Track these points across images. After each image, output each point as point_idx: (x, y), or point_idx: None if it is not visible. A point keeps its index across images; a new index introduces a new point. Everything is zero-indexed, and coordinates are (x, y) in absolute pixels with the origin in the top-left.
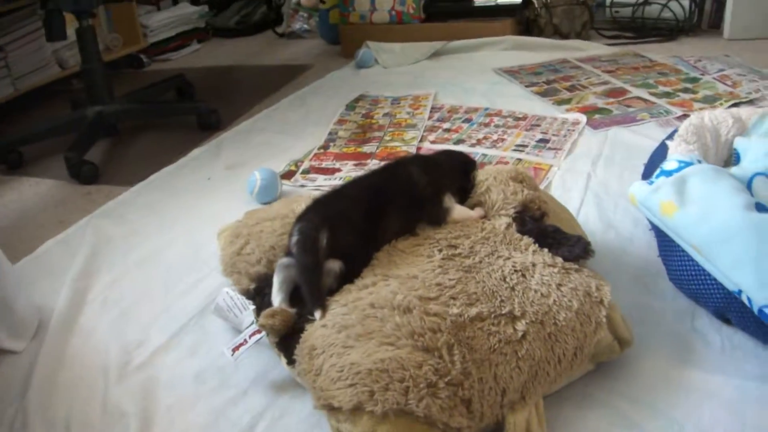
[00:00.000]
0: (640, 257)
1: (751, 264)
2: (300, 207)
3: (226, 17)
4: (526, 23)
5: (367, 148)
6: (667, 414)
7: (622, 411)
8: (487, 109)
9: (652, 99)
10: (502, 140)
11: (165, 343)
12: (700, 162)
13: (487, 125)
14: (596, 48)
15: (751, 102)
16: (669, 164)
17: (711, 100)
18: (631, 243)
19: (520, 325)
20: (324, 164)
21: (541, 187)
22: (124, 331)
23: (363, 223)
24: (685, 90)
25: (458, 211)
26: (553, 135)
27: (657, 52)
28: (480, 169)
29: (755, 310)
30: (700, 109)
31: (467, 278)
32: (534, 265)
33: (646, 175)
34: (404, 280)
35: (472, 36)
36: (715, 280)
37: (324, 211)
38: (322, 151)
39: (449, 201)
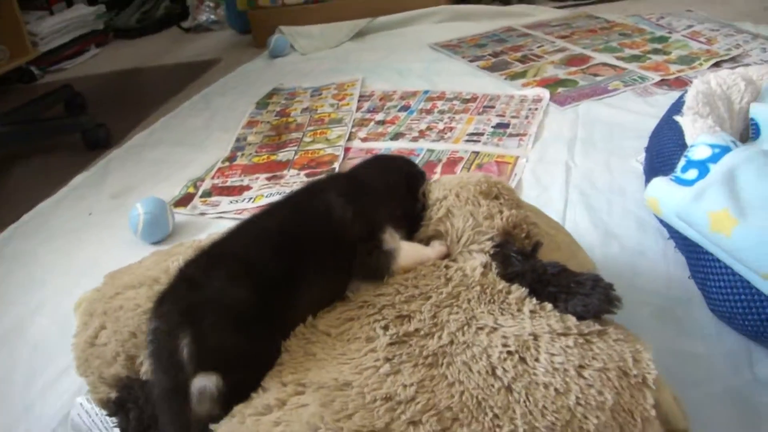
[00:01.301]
0: (660, 277)
1: None
2: (176, 263)
3: (126, 16)
4: None
5: (282, 155)
6: None
7: None
8: (427, 92)
9: (621, 64)
10: (451, 129)
11: None
12: (735, 144)
13: (429, 112)
14: (543, 12)
15: (733, 59)
16: (698, 151)
17: (688, 61)
18: (642, 256)
19: None
20: (229, 182)
21: (511, 185)
22: None
23: (257, 299)
24: (655, 51)
25: (407, 252)
26: (513, 117)
27: (612, 11)
28: (432, 180)
29: None
30: (678, 71)
31: (434, 379)
32: (536, 337)
33: (654, 165)
34: (330, 394)
35: (401, 9)
36: None
37: (186, 296)
38: (227, 164)
39: (391, 239)
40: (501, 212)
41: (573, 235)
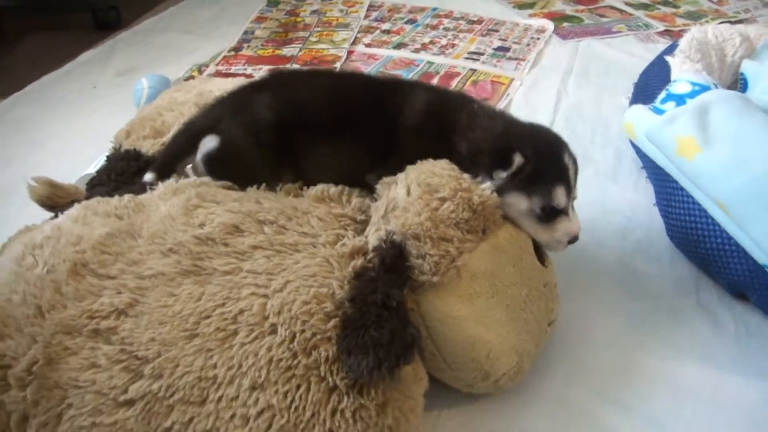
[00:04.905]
0: (627, 201)
1: None
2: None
3: None
4: None
5: (287, 51)
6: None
7: (600, 416)
8: (435, 9)
9: (629, 10)
10: (453, 46)
11: None
12: (716, 86)
13: (434, 27)
14: None
15: (740, 22)
16: (679, 86)
17: (695, 17)
18: (614, 183)
19: None
20: (233, 69)
21: (501, 104)
22: None
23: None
24: (665, 3)
25: None
26: (514, 43)
27: None
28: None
29: None
30: (684, 25)
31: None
32: None
33: (639, 98)
34: None
35: None
36: (738, 247)
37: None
38: (232, 53)
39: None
40: (429, 219)
41: None
